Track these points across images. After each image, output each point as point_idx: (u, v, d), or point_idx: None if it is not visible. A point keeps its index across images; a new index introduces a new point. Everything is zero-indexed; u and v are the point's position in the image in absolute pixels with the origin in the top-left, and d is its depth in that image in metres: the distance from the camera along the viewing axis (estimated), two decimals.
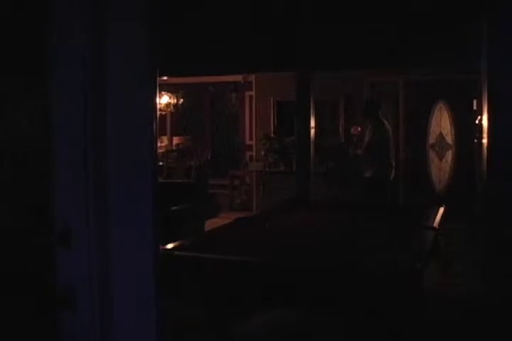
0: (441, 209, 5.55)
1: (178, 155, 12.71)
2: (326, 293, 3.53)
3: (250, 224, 4.96)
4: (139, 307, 1.69)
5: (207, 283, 3.78)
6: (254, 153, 11.88)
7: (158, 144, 11.94)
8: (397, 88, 9.98)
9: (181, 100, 12.62)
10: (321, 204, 6.74)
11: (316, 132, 8.51)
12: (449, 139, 8.69)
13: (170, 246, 4.00)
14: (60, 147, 1.69)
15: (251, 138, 12.22)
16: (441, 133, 8.78)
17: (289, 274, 3.63)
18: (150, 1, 1.56)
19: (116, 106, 1.66)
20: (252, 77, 11.83)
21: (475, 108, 7.96)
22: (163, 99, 12.51)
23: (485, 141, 3.13)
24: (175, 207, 7.34)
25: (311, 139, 8.34)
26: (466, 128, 8.70)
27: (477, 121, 6.62)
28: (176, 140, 13.42)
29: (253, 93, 11.91)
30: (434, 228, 4.73)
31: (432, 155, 9.08)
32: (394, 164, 8.11)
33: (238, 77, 12.30)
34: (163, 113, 12.77)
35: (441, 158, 8.82)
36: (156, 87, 1.72)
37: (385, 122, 8.08)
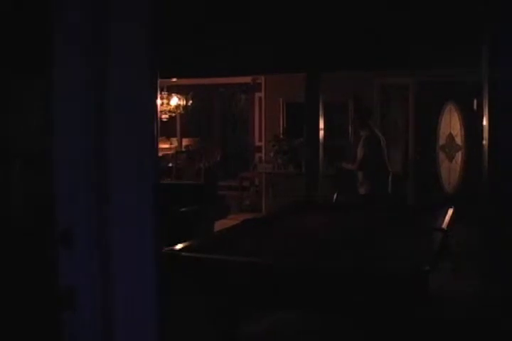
0: (451, 211, 5.52)
1: (188, 156, 12.73)
2: (332, 295, 3.53)
3: (257, 226, 4.95)
4: (140, 308, 1.69)
5: (213, 284, 3.78)
6: (263, 155, 11.87)
7: (167, 146, 12.04)
8: (407, 89, 9.94)
9: (190, 101, 12.62)
10: (328, 206, 6.73)
11: (325, 133, 8.49)
12: (459, 140, 8.64)
13: (178, 247, 4.00)
14: (60, 147, 1.69)
15: (260, 140, 12.23)
16: (451, 134, 8.74)
17: (295, 275, 3.63)
18: (150, 1, 1.56)
19: (117, 106, 1.66)
20: (262, 79, 11.82)
21: (475, 108, 7.89)
22: (173, 101, 12.52)
23: (485, 142, 3.11)
24: (184, 209, 7.35)
25: (320, 140, 8.31)
26: (476, 129, 8.65)
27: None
28: (185, 141, 13.44)
29: (262, 94, 11.91)
30: (443, 229, 4.71)
31: (442, 156, 9.04)
32: (390, 176, 7.83)
33: (248, 79, 12.31)
34: (173, 114, 12.78)
35: (451, 159, 8.77)
36: (156, 88, 1.72)
37: (377, 131, 7.87)
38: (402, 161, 10.07)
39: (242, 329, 4.20)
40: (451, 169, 8.67)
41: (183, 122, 13.95)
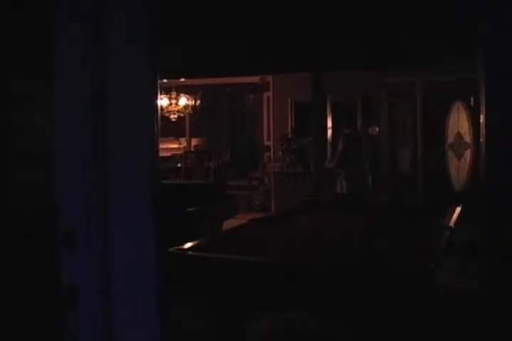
0: (458, 209, 5.52)
1: (197, 156, 12.75)
2: (338, 294, 3.53)
3: (264, 225, 4.97)
4: (141, 307, 1.70)
5: (218, 283, 3.80)
6: (272, 154, 11.89)
7: (176, 146, 12.05)
8: (414, 88, 9.93)
9: (198, 102, 12.64)
10: (336, 205, 6.73)
11: (333, 132, 8.51)
12: (468, 138, 8.62)
13: (184, 246, 4.02)
14: (61, 148, 1.71)
15: (269, 139, 12.24)
16: (459, 133, 8.71)
17: (302, 275, 3.64)
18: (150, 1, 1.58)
19: (117, 107, 1.67)
20: (270, 78, 11.84)
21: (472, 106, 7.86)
22: (182, 101, 12.54)
23: (482, 139, 3.10)
24: (191, 208, 7.37)
25: (328, 140, 8.33)
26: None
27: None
28: (194, 141, 13.47)
29: (270, 94, 11.92)
30: (450, 227, 4.71)
31: (451, 154, 9.02)
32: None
33: (256, 78, 12.32)
34: (182, 114, 12.81)
35: (459, 157, 8.75)
36: (157, 88, 1.73)
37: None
38: (411, 160, 10.06)
39: (247, 328, 4.21)
40: (459, 167, 8.64)
41: (192, 122, 13.98)
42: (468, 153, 8.61)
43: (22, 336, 1.84)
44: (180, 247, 3.94)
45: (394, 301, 3.43)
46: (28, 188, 2.78)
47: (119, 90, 1.66)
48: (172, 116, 12.56)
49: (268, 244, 4.33)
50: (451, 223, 4.90)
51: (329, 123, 8.26)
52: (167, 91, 12.62)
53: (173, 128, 13.53)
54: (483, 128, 1.72)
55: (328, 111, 8.21)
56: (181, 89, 12.72)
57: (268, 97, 12.19)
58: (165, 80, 12.06)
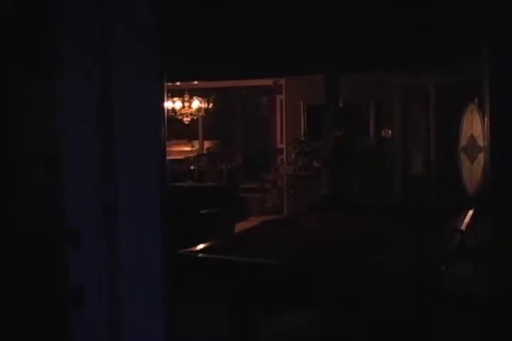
0: (471, 212, 5.49)
1: (209, 159, 12.77)
2: (349, 295, 3.53)
3: (275, 227, 4.97)
4: (148, 308, 1.71)
5: (228, 285, 3.81)
6: (284, 157, 11.89)
7: (189, 148, 12.09)
8: (428, 90, 9.89)
9: (209, 105, 12.67)
10: (349, 207, 6.71)
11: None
12: (481, 141, 8.57)
13: (194, 248, 4.03)
14: (69, 150, 1.73)
15: (282, 142, 12.24)
16: (472, 136, 8.66)
17: (312, 276, 3.63)
18: (154, 5, 1.59)
19: (125, 110, 1.69)
20: (283, 81, 11.84)
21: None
22: (194, 104, 12.57)
23: (486, 142, 3.07)
24: (204, 211, 7.38)
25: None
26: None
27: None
28: (207, 144, 13.49)
29: (283, 97, 11.93)
30: (461, 230, 4.70)
31: (464, 157, 8.97)
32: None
33: (269, 81, 12.34)
34: (195, 117, 12.84)
35: (472, 160, 8.70)
36: (163, 91, 1.74)
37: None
38: (424, 162, 10.03)
39: (257, 329, 4.22)
40: (472, 170, 8.59)
41: (205, 125, 14.01)
42: (481, 157, 8.57)
43: (30, 334, 1.85)
44: (190, 249, 3.95)
45: (403, 303, 3.42)
46: (43, 189, 2.80)
47: (127, 92, 1.67)
48: (185, 119, 12.59)
49: (277, 246, 4.33)
50: (463, 226, 4.88)
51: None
52: (180, 94, 12.65)
53: (186, 131, 13.56)
54: (487, 130, 1.73)
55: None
56: (194, 92, 12.74)
57: (281, 100, 12.20)
58: (178, 83, 12.11)
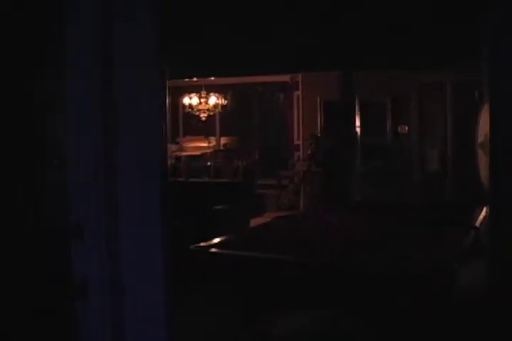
0: (486, 209, 5.46)
1: (226, 155, 12.79)
2: (361, 293, 3.52)
3: (287, 223, 4.97)
4: (150, 302, 1.72)
5: (239, 280, 3.81)
6: (301, 153, 11.86)
7: (206, 144, 12.10)
8: (445, 87, 9.82)
9: (226, 101, 12.68)
10: (363, 205, 6.69)
11: (361, 131, 8.46)
12: None
13: (205, 243, 4.04)
14: (72, 147, 1.73)
15: (299, 138, 12.22)
16: (489, 132, 8.59)
17: (322, 274, 3.62)
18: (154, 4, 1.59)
19: (125, 107, 1.69)
20: (299, 77, 11.82)
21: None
22: (211, 100, 12.58)
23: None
24: (219, 207, 7.39)
25: (358, 139, 8.31)
26: None
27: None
28: (223, 140, 13.50)
29: (300, 93, 11.90)
30: (475, 227, 4.66)
31: (481, 153, 8.90)
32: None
33: (286, 77, 12.31)
34: (211, 113, 12.85)
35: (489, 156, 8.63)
36: (165, 88, 1.74)
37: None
38: (440, 159, 9.97)
39: (269, 328, 4.21)
40: (490, 166, 8.50)
41: (222, 121, 14.02)
42: None
43: (34, 330, 1.87)
44: (200, 244, 3.96)
45: (416, 300, 3.41)
46: (58, 187, 2.81)
47: (127, 90, 1.67)
48: (202, 115, 12.61)
49: (286, 242, 4.32)
50: (478, 223, 4.85)
51: (357, 123, 8.21)
52: (197, 90, 12.67)
53: (204, 127, 13.59)
54: (488, 128, 1.71)
55: (357, 110, 8.16)
56: (211, 88, 12.75)
57: (298, 96, 12.17)
58: (195, 79, 12.13)
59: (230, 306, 4.10)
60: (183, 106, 13.11)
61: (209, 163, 12.57)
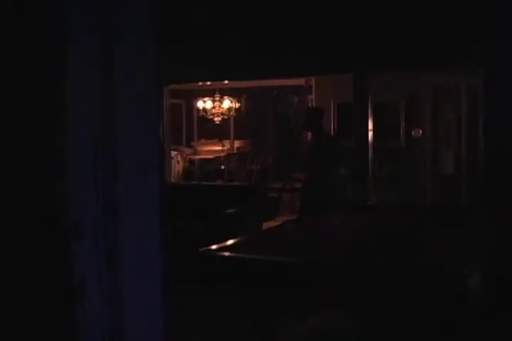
0: None
1: (240, 158, 12.82)
2: (373, 295, 3.50)
3: (298, 227, 4.95)
4: (148, 303, 1.72)
5: (247, 283, 3.80)
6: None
7: (220, 148, 12.16)
8: (459, 89, 9.77)
9: (238, 104, 12.71)
10: (378, 208, 6.66)
11: (374, 135, 8.43)
12: None
13: (213, 246, 4.03)
14: (72, 149, 1.74)
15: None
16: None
17: (335, 276, 3.60)
18: (154, 10, 1.60)
19: (124, 109, 1.70)
20: (313, 80, 11.81)
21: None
22: (225, 103, 12.62)
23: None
24: (231, 210, 7.40)
25: (370, 142, 8.26)
26: None
27: None
28: (237, 143, 13.53)
29: (313, 96, 11.89)
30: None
31: None
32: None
33: (301, 81, 12.30)
34: (225, 117, 12.89)
35: None
36: (162, 92, 1.75)
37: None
38: (455, 162, 9.91)
39: (279, 330, 4.21)
40: None
41: (237, 124, 14.05)
42: None
43: (34, 330, 1.87)
44: (208, 247, 3.96)
45: (428, 305, 3.38)
46: (57, 186, 2.82)
47: (126, 93, 1.68)
48: (216, 119, 12.65)
49: (296, 245, 4.31)
50: None
51: (370, 126, 8.17)
52: (211, 93, 12.71)
53: (218, 131, 13.63)
54: (483, 129, 1.70)
55: (370, 112, 8.13)
56: (225, 92, 12.79)
57: (312, 100, 12.15)
58: (209, 83, 12.17)
59: (239, 308, 4.10)
60: (198, 109, 13.17)
61: (223, 167, 12.60)
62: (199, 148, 13.79)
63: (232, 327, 4.62)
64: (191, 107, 14.17)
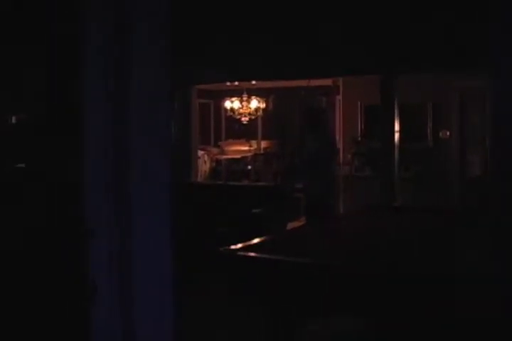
0: None
1: (266, 158, 12.85)
2: (387, 299, 3.49)
3: (322, 227, 4.96)
4: (159, 303, 1.76)
5: (268, 284, 3.82)
6: (341, 157, 11.81)
7: (247, 148, 12.19)
8: (485, 92, 9.69)
9: (264, 105, 12.73)
10: (404, 210, 6.63)
11: (401, 136, 8.40)
12: None
13: (234, 246, 4.06)
14: (85, 149, 1.79)
15: (339, 142, 12.17)
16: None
17: (356, 279, 3.58)
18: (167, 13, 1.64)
19: (136, 114, 1.74)
20: (340, 81, 11.79)
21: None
22: (253, 104, 12.65)
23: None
24: (255, 210, 7.43)
25: (396, 143, 8.24)
26: None
27: None
28: (264, 144, 13.56)
29: (340, 97, 11.87)
30: None
31: None
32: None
33: (329, 81, 12.28)
34: (253, 117, 12.92)
35: None
36: (170, 97, 1.79)
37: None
38: (481, 164, 9.83)
39: (298, 332, 4.22)
40: None
41: (264, 125, 14.08)
42: None
43: (48, 328, 1.93)
44: (229, 247, 3.99)
45: (442, 307, 3.37)
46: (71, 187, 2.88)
47: (138, 97, 1.73)
48: (243, 119, 12.69)
49: (321, 246, 4.32)
50: None
51: (396, 127, 8.15)
52: (239, 94, 12.76)
53: (246, 131, 13.67)
54: (491, 131, 1.71)
55: (396, 114, 8.11)
56: (253, 92, 12.82)
57: (340, 100, 12.13)
58: (236, 83, 12.22)
59: (259, 309, 4.12)
60: (225, 109, 13.23)
61: (249, 167, 12.64)
62: (226, 148, 13.85)
63: (251, 327, 4.65)
64: (219, 107, 14.24)
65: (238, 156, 13.21)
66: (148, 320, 1.75)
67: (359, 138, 11.21)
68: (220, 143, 14.33)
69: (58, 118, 1.87)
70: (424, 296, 3.39)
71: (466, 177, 9.96)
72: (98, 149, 1.75)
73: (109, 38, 1.71)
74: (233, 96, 12.83)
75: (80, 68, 1.74)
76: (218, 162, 13.32)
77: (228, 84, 12.12)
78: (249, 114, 12.70)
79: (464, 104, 10.08)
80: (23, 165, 2.30)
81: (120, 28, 1.68)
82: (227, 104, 12.83)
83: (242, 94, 12.72)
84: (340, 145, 11.99)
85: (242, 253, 3.93)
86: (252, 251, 3.97)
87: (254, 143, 13.73)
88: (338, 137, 12.38)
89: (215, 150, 13.78)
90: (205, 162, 12.61)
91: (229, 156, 13.44)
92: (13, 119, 2.38)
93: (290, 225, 7.75)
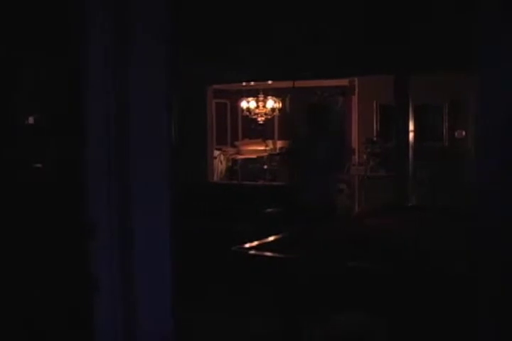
0: None
1: (281, 158, 12.87)
2: (396, 296, 3.51)
3: (333, 227, 4.98)
4: (159, 301, 1.80)
5: (279, 282, 3.86)
6: (356, 157, 11.80)
7: (263, 148, 12.17)
8: None
9: (280, 105, 12.74)
10: (417, 209, 6.63)
11: (416, 136, 8.40)
12: None
13: (246, 245, 4.10)
14: (90, 154, 1.83)
15: (354, 142, 12.16)
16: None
17: (367, 277, 3.61)
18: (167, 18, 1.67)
19: (137, 114, 1.78)
20: (355, 81, 11.78)
21: None
22: (269, 104, 12.68)
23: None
24: (269, 209, 7.46)
25: (410, 143, 8.24)
26: None
27: None
28: (280, 143, 13.59)
29: (356, 97, 11.86)
30: None
31: None
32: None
33: (345, 81, 12.28)
34: (269, 117, 12.95)
35: None
36: (171, 99, 1.82)
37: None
38: None
39: (308, 329, 4.24)
40: None
41: (281, 125, 14.10)
42: None
43: (53, 323, 1.97)
44: (241, 246, 4.02)
45: (448, 304, 3.38)
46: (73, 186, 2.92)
47: (138, 98, 1.77)
48: (259, 119, 12.72)
49: (331, 246, 4.34)
50: None
51: (411, 127, 8.15)
52: (255, 94, 12.79)
53: (262, 131, 13.69)
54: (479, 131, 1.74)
55: (411, 114, 8.10)
56: (269, 92, 12.84)
57: (355, 100, 12.12)
58: (252, 83, 12.24)
59: (270, 306, 4.15)
60: (242, 109, 13.27)
61: (265, 166, 12.67)
62: (242, 148, 13.88)
63: (263, 325, 4.68)
64: (236, 107, 14.28)
65: (254, 156, 13.24)
66: (148, 318, 1.79)
67: (374, 138, 11.19)
68: (236, 142, 14.37)
69: (62, 119, 1.91)
70: (439, 294, 3.40)
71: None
72: (99, 149, 1.79)
73: (110, 38, 1.74)
74: (249, 96, 12.87)
75: (82, 69, 1.78)
76: (234, 162, 13.37)
77: (244, 84, 12.15)
78: (266, 113, 12.73)
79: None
80: (39, 166, 2.35)
81: (120, 28, 1.72)
82: (244, 104, 12.87)
83: (259, 94, 12.75)
84: (355, 146, 12.00)
85: (254, 252, 3.97)
86: (264, 250, 4.00)
87: (270, 142, 13.75)
88: (354, 137, 12.38)
89: (231, 150, 13.82)
90: (221, 162, 12.66)
91: (245, 156, 13.47)
92: (31, 120, 2.42)
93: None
